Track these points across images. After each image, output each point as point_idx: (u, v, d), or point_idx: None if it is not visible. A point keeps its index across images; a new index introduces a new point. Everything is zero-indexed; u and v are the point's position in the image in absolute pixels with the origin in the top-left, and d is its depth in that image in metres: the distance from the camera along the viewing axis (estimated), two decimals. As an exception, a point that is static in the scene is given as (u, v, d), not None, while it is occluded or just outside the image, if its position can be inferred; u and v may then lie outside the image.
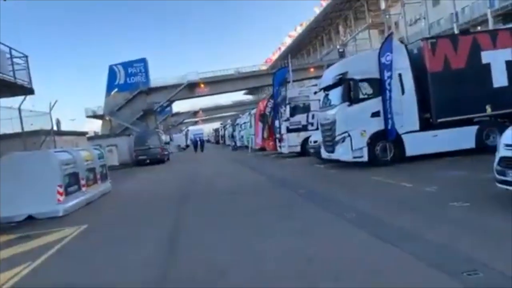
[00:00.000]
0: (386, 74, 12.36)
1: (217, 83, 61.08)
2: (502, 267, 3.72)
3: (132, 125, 55.60)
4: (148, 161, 27.89)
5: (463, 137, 12.56)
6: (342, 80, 12.60)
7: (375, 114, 12.51)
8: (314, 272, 4.24)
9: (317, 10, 69.72)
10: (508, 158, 5.77)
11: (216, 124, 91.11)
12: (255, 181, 12.89)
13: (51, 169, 9.55)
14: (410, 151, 12.56)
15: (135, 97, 59.55)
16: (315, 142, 15.59)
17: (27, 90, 13.53)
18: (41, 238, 7.25)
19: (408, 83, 12.68)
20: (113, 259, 5.59)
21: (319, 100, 18.07)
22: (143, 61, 63.12)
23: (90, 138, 30.83)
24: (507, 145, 5.84)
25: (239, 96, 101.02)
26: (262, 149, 26.03)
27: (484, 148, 12.48)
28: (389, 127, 12.29)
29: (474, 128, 12.67)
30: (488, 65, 12.60)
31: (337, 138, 12.73)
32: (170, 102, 68.74)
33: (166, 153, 31.33)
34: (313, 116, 19.56)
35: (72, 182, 10.46)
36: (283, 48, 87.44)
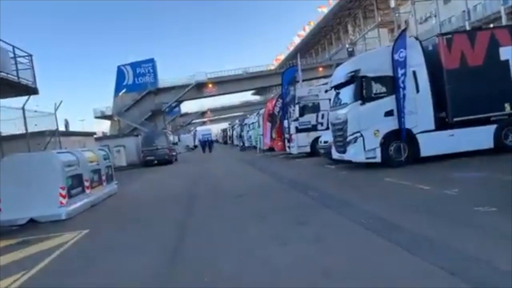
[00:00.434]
0: (400, 71, 11.88)
1: (225, 83, 60.84)
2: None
3: (140, 125, 55.58)
4: (155, 161, 27.68)
5: (481, 137, 12.05)
6: (354, 78, 12.14)
7: (389, 113, 12.04)
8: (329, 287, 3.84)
9: (321, 10, 69.15)
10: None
11: (224, 125, 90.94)
12: (264, 182, 12.49)
13: (54, 171, 9.26)
14: (425, 151, 12.06)
15: (143, 97, 59.56)
16: (325, 142, 15.15)
17: (31, 90, 13.30)
18: (40, 244, 6.93)
19: (423, 81, 12.17)
20: (112, 269, 5.24)
21: (329, 99, 17.69)
22: (152, 61, 63.07)
23: (98, 139, 30.72)
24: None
25: (247, 96, 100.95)
26: (271, 149, 25.62)
27: (502, 148, 12.01)
28: (403, 126, 11.83)
29: (493, 127, 12.13)
30: (507, 62, 12.08)
31: (349, 138, 12.27)
32: (179, 102, 68.72)
33: (174, 153, 31.09)
34: (322, 116, 19.12)
35: (75, 184, 10.17)
36: (291, 48, 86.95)
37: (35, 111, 13.94)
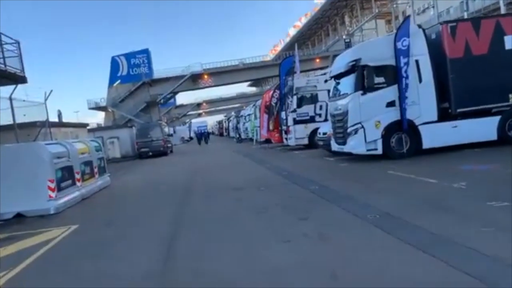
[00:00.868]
0: (403, 60, 11.47)
1: (221, 74, 60.10)
2: None
3: (135, 117, 54.91)
4: (150, 153, 27.26)
5: (484, 128, 11.73)
6: (355, 67, 11.72)
7: (391, 104, 11.66)
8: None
9: (318, 1, 68.32)
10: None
11: (220, 116, 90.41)
12: (262, 175, 12.11)
13: (42, 163, 8.81)
14: (427, 143, 11.73)
15: (138, 88, 58.72)
16: (324, 134, 14.75)
17: (19, 79, 12.75)
18: (25, 240, 6.52)
19: (426, 70, 11.79)
20: (99, 272, 4.82)
21: (328, 90, 17.26)
22: (146, 52, 62.09)
23: (91, 130, 30.19)
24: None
25: (243, 88, 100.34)
26: (268, 141, 25.23)
27: (506, 139, 11.70)
28: (405, 117, 11.47)
29: (496, 119, 11.80)
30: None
31: (350, 130, 11.89)
32: (174, 93, 67.89)
33: (169, 145, 30.65)
34: (321, 107, 18.73)
35: (65, 176, 9.73)
36: (288, 39, 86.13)
37: (24, 101, 13.41)
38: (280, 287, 3.76)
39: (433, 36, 12.11)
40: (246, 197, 8.52)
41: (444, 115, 11.85)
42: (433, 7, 46.35)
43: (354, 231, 5.22)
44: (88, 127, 29.75)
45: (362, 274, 3.80)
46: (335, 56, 50.05)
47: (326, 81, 14.18)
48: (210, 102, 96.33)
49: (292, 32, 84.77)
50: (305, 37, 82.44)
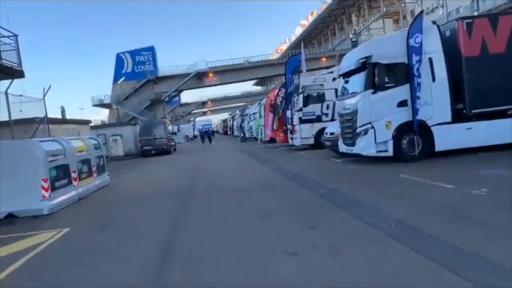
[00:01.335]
0: (415, 58, 10.92)
1: (226, 73, 59.68)
2: None
3: (139, 114, 54.64)
4: (153, 151, 26.87)
5: (501, 131, 11.13)
6: (366, 65, 11.18)
7: (402, 104, 11.12)
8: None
9: (325, 1, 67.56)
10: None
11: (225, 115, 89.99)
12: (266, 176, 11.62)
13: (35, 161, 8.37)
14: (440, 145, 11.17)
15: (142, 86, 58.47)
16: (331, 134, 14.22)
17: (16, 73, 12.33)
18: (12, 244, 6.08)
19: (439, 69, 11.23)
20: (80, 282, 4.37)
21: (335, 89, 16.75)
22: (151, 49, 61.81)
23: (94, 127, 29.82)
24: None
25: (248, 87, 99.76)
26: (272, 140, 24.72)
27: (521, 143, 11.13)
28: (416, 118, 10.93)
29: (512, 121, 11.21)
30: (530, 50, 11.10)
31: (359, 130, 11.36)
32: (178, 91, 67.61)
33: (172, 143, 30.23)
34: (327, 106, 18.20)
35: (60, 175, 9.29)
36: (294, 38, 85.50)
37: (21, 96, 12.98)
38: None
39: (448, 33, 11.54)
40: (250, 200, 8.03)
41: (458, 116, 11.29)
42: (442, 6, 45.58)
43: (368, 242, 4.72)
44: (90, 124, 29.37)
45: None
46: (341, 55, 49.60)
47: (334, 79, 13.66)
48: (215, 100, 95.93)
49: (299, 31, 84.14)
50: (311, 36, 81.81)
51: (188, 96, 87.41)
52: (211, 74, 58.68)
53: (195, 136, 58.81)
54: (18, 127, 12.92)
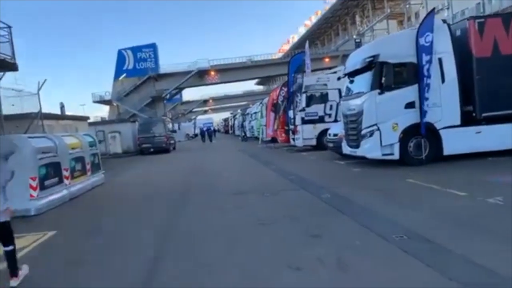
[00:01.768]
0: (425, 58, 10.47)
1: (228, 71, 59.18)
2: None
3: (139, 111, 54.18)
4: (152, 149, 26.43)
5: (511, 135, 10.70)
6: (373, 64, 10.74)
7: (410, 105, 10.68)
8: None
9: (329, 1, 67.13)
10: None
11: (226, 114, 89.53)
12: (267, 178, 11.18)
13: (23, 158, 7.89)
14: (448, 149, 10.74)
15: (143, 83, 58.03)
16: (335, 135, 13.78)
17: (9, 66, 11.87)
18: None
19: (449, 70, 10.79)
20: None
21: (339, 89, 16.31)
22: (153, 46, 61.39)
23: (93, 124, 29.40)
24: None
25: (250, 86, 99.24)
26: (273, 140, 24.29)
27: (533, 148, 10.68)
28: (424, 120, 10.48)
29: (523, 125, 10.75)
30: (545, 52, 10.65)
31: (364, 132, 10.92)
32: (180, 89, 67.19)
33: (172, 142, 29.79)
34: (331, 107, 17.78)
35: (51, 173, 8.85)
36: (297, 38, 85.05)
37: (12, 89, 12.52)
38: None
39: (458, 33, 11.10)
40: (249, 205, 7.57)
41: (467, 119, 10.86)
42: (448, 8, 45.07)
43: (379, 256, 4.27)
44: (89, 121, 28.94)
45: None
46: (344, 56, 49.11)
47: (339, 78, 13.21)
48: (217, 99, 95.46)
49: (302, 30, 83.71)
50: (314, 37, 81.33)
51: (189, 94, 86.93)
52: (212, 72, 58.17)
53: (196, 135, 58.37)
54: (10, 122, 12.46)
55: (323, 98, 17.93)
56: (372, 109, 10.75)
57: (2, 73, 11.67)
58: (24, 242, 5.82)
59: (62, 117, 22.21)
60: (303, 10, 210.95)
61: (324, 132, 16.62)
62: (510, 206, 5.83)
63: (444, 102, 10.70)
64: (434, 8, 11.68)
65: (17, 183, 7.58)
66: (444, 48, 10.71)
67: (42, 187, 8.33)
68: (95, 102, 60.99)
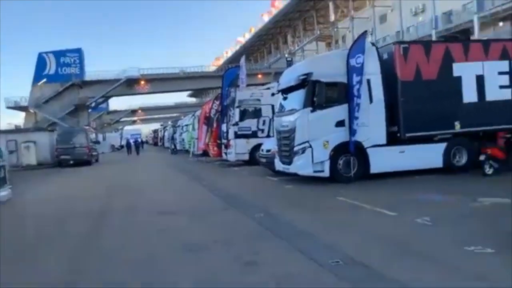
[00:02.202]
0: (355, 78, 10.76)
1: (160, 81, 57.58)
2: None
3: (60, 120, 50.43)
4: (71, 161, 24.40)
5: (431, 155, 11.39)
6: (306, 82, 10.80)
7: (340, 124, 10.88)
8: None
9: (266, 18, 68.90)
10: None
11: (156, 125, 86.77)
12: (197, 195, 10.63)
13: None
14: (375, 167, 11.07)
15: (66, 89, 54.34)
16: (268, 151, 13.65)
17: None
18: None
19: (377, 91, 11.19)
20: None
21: (272, 104, 16.35)
22: (78, 51, 57.93)
23: (3, 132, 26.53)
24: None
25: (183, 97, 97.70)
26: (205, 154, 23.68)
27: (451, 167, 11.43)
28: (352, 138, 10.73)
29: (443, 146, 11.49)
30: (459, 79, 11.54)
31: (296, 148, 10.89)
32: (106, 98, 63.99)
33: (94, 153, 27.84)
34: (264, 122, 17.78)
35: None
36: (230, 53, 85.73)
37: None
38: None
39: (385, 56, 11.61)
40: (175, 227, 6.96)
41: (393, 139, 11.31)
42: (371, 34, 48.25)
43: (317, 286, 3.98)
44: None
45: None
46: (277, 73, 50.25)
47: (273, 94, 13.18)
48: (146, 109, 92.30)
49: (235, 47, 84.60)
50: (248, 52, 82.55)
51: (117, 103, 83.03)
52: (143, 82, 56.18)
53: (122, 146, 55.56)
54: None
55: (257, 113, 17.87)
56: (304, 126, 10.77)
57: None
58: None
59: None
60: (238, 26, 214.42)
61: (257, 147, 16.47)
62: (437, 227, 5.96)
63: (371, 122, 11.03)
64: (366, 31, 12.13)
65: None
66: (372, 70, 11.11)
67: None
68: (8, 108, 55.56)
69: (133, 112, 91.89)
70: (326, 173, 10.82)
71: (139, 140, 52.09)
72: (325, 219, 7.08)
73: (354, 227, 6.31)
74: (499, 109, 11.54)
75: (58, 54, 56.38)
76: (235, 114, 17.73)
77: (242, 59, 20.76)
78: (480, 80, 11.59)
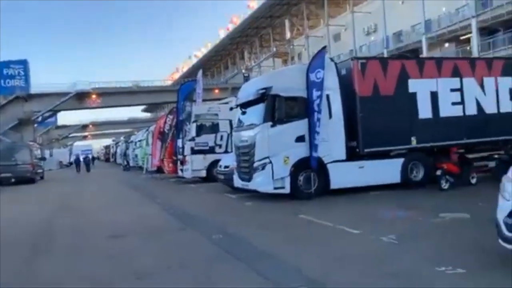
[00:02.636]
0: (315, 93, 10.63)
1: (112, 95, 55.47)
2: None
3: (2, 135, 46.94)
4: (13, 180, 22.48)
5: (389, 170, 11.44)
6: (265, 96, 10.54)
7: (300, 139, 10.68)
8: None
9: (223, 33, 69.19)
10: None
11: (108, 141, 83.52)
12: (151, 215, 9.90)
13: None
14: (335, 183, 10.93)
15: (10, 102, 50.92)
16: (226, 167, 13.17)
17: None
18: None
19: (336, 107, 11.13)
20: None
21: (230, 120, 15.97)
22: (23, 63, 54.60)
23: None
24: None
25: (136, 112, 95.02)
26: (159, 171, 22.76)
27: (408, 182, 11.53)
28: (314, 154, 10.54)
29: (400, 161, 11.59)
30: (414, 95, 11.78)
31: (256, 164, 10.52)
32: (54, 112, 60.69)
33: (39, 171, 25.95)
34: (221, 137, 17.30)
35: None
36: (186, 67, 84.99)
37: None
38: None
39: (343, 72, 11.62)
40: (126, 251, 6.28)
41: (352, 155, 11.26)
42: (326, 52, 49.53)
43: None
44: None
45: None
46: (234, 88, 50.18)
47: (231, 108, 12.79)
48: (98, 124, 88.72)
49: (192, 61, 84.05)
50: (205, 67, 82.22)
51: (66, 118, 78.92)
52: (94, 96, 53.85)
53: (71, 163, 52.72)
54: None
55: (214, 128, 17.38)
56: (264, 141, 10.45)
57: None
58: None
59: None
60: (194, 41, 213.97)
61: (214, 163, 15.92)
62: (403, 245, 5.76)
63: (331, 137, 10.92)
64: (325, 46, 12.17)
65: None
66: (331, 85, 11.04)
67: None
68: None
69: (84, 127, 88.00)
70: (287, 190, 10.52)
71: (90, 156, 49.58)
72: (287, 238, 6.71)
73: (318, 247, 5.99)
74: (452, 125, 11.91)
75: (1, 65, 52.91)
76: (192, 129, 17.14)
77: (199, 73, 20.29)
78: (434, 96, 11.89)
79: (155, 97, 58.75)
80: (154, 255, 6.00)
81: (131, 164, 34.88)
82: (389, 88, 11.52)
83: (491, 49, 29.52)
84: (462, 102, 12.11)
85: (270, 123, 10.49)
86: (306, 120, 10.68)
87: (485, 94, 12.42)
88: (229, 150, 16.51)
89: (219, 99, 49.67)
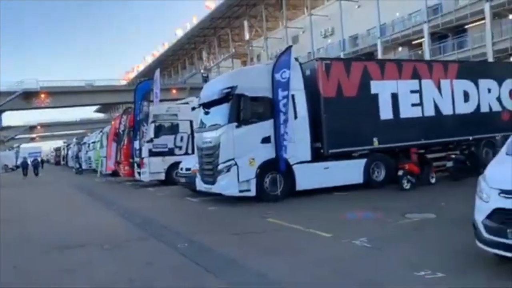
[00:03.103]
0: (281, 93, 10.44)
1: (63, 95, 52.79)
2: None
3: None
4: (-51, 186, 20.55)
5: (353, 171, 11.50)
6: (230, 96, 10.19)
7: (266, 140, 10.45)
8: None
9: (180, 33, 67.90)
10: (509, 211, 3.99)
11: (59, 143, 79.32)
12: (107, 223, 9.21)
13: None
14: (301, 184, 10.80)
15: None
16: (187, 169, 12.64)
17: None
18: None
19: (301, 107, 11.02)
20: None
21: (190, 120, 15.47)
22: (-37, 59, 50.67)
23: None
24: (506, 192, 4.06)
25: (89, 113, 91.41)
26: (115, 174, 21.69)
27: (370, 183, 11.62)
28: (283, 155, 10.32)
29: (363, 162, 11.66)
30: (376, 96, 11.92)
31: (221, 167, 10.14)
32: (-1, 112, 56.81)
33: (-20, 175, 23.93)
34: (181, 138, 16.73)
35: None
36: (142, 67, 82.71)
37: None
38: None
39: (308, 72, 11.51)
40: (82, 265, 5.65)
41: (317, 156, 11.17)
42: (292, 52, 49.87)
43: None
44: None
45: None
46: (192, 88, 49.32)
47: (193, 108, 12.30)
48: (47, 125, 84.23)
49: (148, 60, 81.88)
50: (162, 67, 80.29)
51: (12, 118, 74.41)
52: (43, 95, 50.95)
53: (18, 167, 49.41)
54: None
55: (174, 129, 16.76)
56: (229, 142, 10.10)
57: None
58: None
59: None
60: (151, 40, 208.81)
61: (174, 165, 15.32)
62: (377, 248, 5.62)
63: (296, 138, 10.75)
64: (291, 46, 11.98)
65: None
66: (296, 85, 10.87)
67: None
68: None
69: (32, 128, 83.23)
70: (253, 193, 10.24)
71: (39, 159, 46.65)
72: (256, 244, 6.42)
73: (289, 252, 5.74)
74: (412, 126, 12.18)
75: None
76: (150, 130, 16.40)
77: (157, 72, 19.49)
78: (394, 98, 12.10)
79: (109, 97, 56.59)
80: (113, 268, 5.46)
81: (84, 167, 33.20)
82: (352, 89, 11.57)
83: (442, 54, 30.95)
84: (421, 104, 12.41)
85: (235, 123, 10.16)
86: (272, 120, 10.47)
87: (441, 96, 12.83)
88: (189, 152, 16.00)
89: (177, 99, 48.56)
